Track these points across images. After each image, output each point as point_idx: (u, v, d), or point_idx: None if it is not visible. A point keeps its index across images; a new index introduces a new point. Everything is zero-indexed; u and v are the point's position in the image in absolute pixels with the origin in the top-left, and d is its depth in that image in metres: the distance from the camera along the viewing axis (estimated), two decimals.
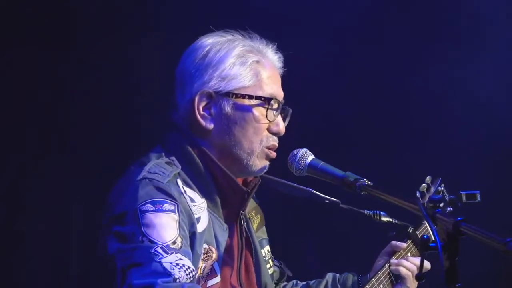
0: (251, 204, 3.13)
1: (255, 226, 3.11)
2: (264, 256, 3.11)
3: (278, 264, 3.25)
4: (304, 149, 2.95)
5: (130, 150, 4.39)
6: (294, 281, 3.33)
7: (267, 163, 2.93)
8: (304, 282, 3.32)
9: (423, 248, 2.30)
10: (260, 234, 3.14)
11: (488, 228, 2.21)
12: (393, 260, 3.22)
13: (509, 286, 5.02)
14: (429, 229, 3.18)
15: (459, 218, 2.26)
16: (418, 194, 3.10)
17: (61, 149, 4.65)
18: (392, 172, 4.91)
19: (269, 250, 3.17)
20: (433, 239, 2.27)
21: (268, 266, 3.11)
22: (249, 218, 3.09)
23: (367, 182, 2.74)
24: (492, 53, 5.01)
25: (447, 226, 2.28)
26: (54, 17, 4.63)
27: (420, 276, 2.39)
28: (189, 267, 2.58)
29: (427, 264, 3.13)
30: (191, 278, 2.57)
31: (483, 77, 5.01)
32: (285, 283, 3.32)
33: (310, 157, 2.93)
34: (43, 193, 4.64)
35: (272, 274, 3.15)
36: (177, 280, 2.53)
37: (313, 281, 3.31)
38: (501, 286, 5.07)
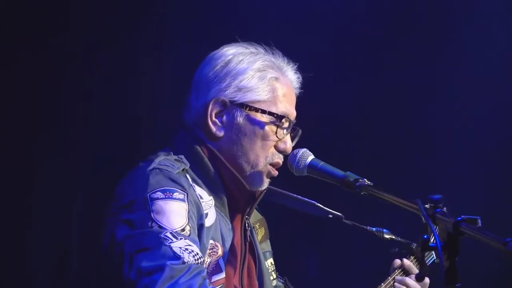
0: (256, 216, 3.15)
1: (259, 238, 3.13)
2: (268, 268, 3.13)
3: (282, 281, 3.27)
4: (304, 149, 2.97)
5: (130, 150, 4.42)
6: None
7: (267, 180, 2.95)
8: None
9: (423, 248, 2.30)
10: (264, 246, 3.16)
11: (488, 228, 2.21)
12: (398, 278, 3.20)
13: (509, 287, 5.02)
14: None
15: (459, 218, 2.27)
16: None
17: (61, 149, 4.65)
18: (392, 172, 4.92)
19: (273, 263, 3.19)
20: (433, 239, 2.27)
21: (271, 278, 3.13)
22: (254, 228, 3.11)
23: (367, 182, 2.75)
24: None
25: (447, 226, 2.28)
26: (66, 16, 4.63)
27: (420, 276, 2.40)
28: (197, 253, 2.61)
29: (426, 279, 3.13)
30: (199, 264, 2.59)
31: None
32: None
33: (310, 157, 2.95)
34: (43, 192, 4.63)
35: (275, 287, 3.16)
36: (186, 263, 2.55)
37: None
38: (502, 286, 5.06)
